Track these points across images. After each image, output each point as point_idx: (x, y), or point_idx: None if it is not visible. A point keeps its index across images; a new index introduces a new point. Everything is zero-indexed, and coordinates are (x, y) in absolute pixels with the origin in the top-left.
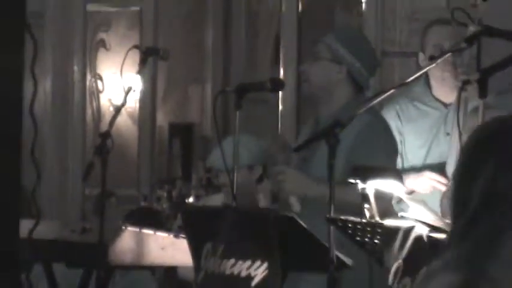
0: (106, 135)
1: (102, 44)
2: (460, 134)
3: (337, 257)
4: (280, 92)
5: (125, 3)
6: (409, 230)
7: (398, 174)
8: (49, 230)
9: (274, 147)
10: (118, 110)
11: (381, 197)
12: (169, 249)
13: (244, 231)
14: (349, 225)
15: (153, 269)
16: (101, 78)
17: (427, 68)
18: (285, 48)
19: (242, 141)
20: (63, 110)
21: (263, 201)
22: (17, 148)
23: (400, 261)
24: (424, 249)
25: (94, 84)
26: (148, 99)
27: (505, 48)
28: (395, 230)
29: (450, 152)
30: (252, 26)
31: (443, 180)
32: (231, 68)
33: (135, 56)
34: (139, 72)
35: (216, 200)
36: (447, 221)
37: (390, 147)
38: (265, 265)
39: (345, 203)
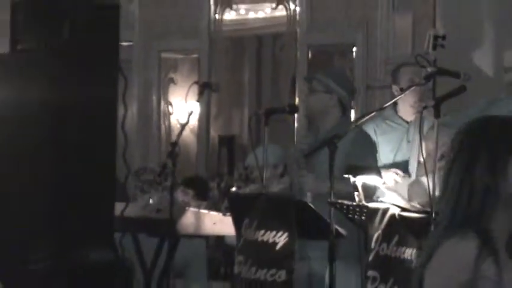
0: (175, 144)
1: (172, 80)
2: (421, 141)
3: (336, 229)
4: (295, 114)
5: (187, 52)
6: (385, 210)
7: (379, 171)
8: (135, 210)
9: (292, 153)
10: (183, 126)
11: (366, 187)
12: (218, 223)
13: (271, 211)
14: (344, 206)
15: (207, 237)
16: (171, 105)
17: (400, 96)
18: (299, 83)
19: (269, 148)
20: (145, 127)
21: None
22: (113, 154)
23: (379, 231)
24: (396, 223)
25: (166, 109)
26: (204, 119)
27: (455, 81)
28: (376, 210)
29: (411, 154)
30: (276, 68)
31: (401, 174)
32: (261, 97)
33: (195, 89)
34: (198, 100)
35: (252, 188)
36: (413, 204)
37: (374, 151)
38: (286, 234)
39: (342, 191)
